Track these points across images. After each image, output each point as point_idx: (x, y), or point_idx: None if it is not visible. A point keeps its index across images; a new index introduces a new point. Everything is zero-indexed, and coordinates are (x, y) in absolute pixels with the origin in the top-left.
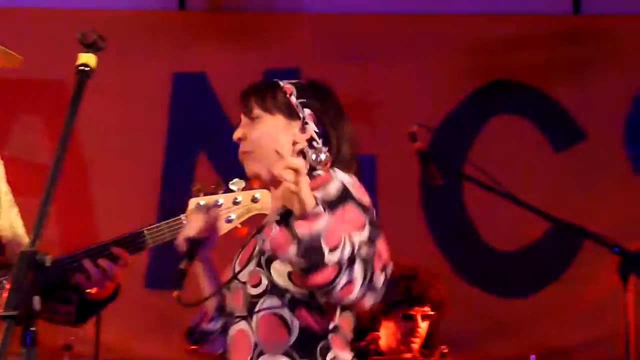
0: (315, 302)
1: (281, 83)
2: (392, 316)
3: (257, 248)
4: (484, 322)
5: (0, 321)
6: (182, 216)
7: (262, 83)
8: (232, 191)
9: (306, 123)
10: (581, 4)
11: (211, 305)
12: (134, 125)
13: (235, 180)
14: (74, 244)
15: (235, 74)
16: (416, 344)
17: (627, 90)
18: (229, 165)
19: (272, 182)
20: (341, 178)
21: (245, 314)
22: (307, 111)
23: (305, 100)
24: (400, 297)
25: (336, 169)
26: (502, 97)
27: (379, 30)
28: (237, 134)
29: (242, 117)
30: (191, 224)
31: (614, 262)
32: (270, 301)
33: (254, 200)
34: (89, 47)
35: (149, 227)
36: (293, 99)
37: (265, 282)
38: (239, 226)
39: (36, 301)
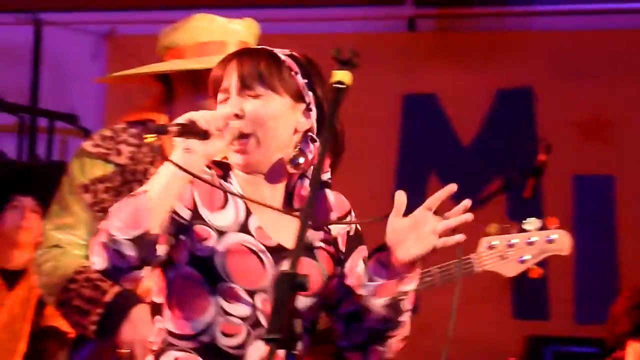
0: None
1: (280, 56)
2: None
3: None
4: None
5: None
6: (472, 255)
7: (259, 52)
8: (526, 231)
9: (310, 109)
10: None
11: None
12: (365, 147)
13: (530, 219)
14: None
15: (466, 95)
16: None
17: None
18: (461, 187)
19: (269, 175)
20: None
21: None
22: (310, 94)
23: (307, 81)
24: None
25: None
26: None
27: (613, 46)
28: (233, 109)
29: (232, 92)
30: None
31: None
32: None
33: (550, 241)
34: (344, 64)
35: (439, 266)
36: (300, 79)
37: (313, 321)
38: (534, 267)
39: (298, 324)
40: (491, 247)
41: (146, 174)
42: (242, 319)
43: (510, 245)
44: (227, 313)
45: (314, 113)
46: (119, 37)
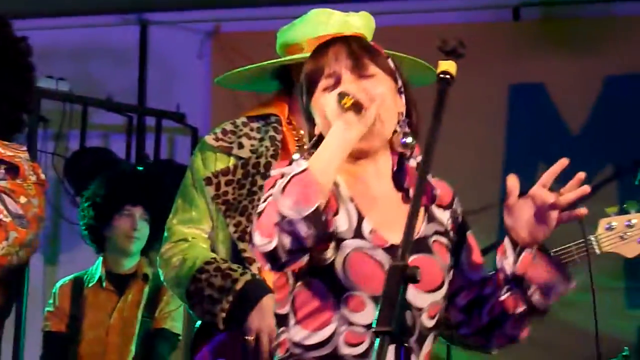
0: None
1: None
2: None
3: None
4: None
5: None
6: (592, 237)
7: (355, 37)
8: None
9: (401, 92)
10: None
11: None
12: (472, 138)
13: None
14: None
15: (574, 83)
16: None
17: None
18: (571, 176)
19: (379, 158)
20: None
21: (413, 341)
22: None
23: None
24: None
25: None
26: None
27: None
28: (349, 90)
29: (346, 73)
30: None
31: None
32: (434, 339)
33: None
34: (449, 54)
35: (556, 250)
36: (391, 62)
37: (438, 315)
38: None
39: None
40: (610, 228)
41: (268, 168)
42: (366, 327)
43: (630, 226)
44: (351, 322)
45: (403, 97)
46: (224, 34)
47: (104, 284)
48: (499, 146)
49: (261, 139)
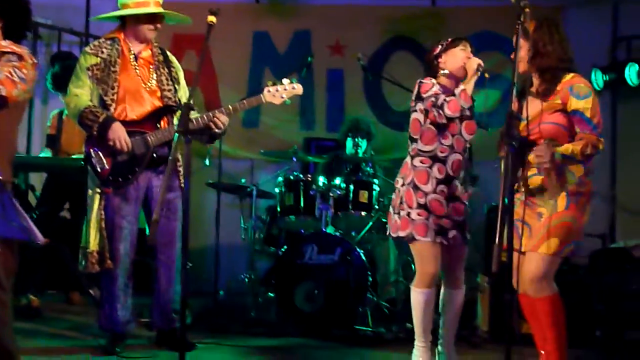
0: None
1: None
2: None
3: None
4: None
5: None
6: (261, 95)
7: None
8: (282, 83)
9: None
10: None
11: None
12: (225, 63)
13: (287, 79)
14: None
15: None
16: None
17: None
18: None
19: None
20: None
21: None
22: None
23: None
24: None
25: None
26: None
27: None
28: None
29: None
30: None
31: None
32: None
33: (294, 88)
34: (213, 14)
35: (241, 98)
36: None
37: None
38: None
39: (192, 123)
40: (270, 90)
41: (115, 63)
42: None
43: (280, 90)
44: None
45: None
46: None
47: None
48: (246, 61)
49: (111, 48)
